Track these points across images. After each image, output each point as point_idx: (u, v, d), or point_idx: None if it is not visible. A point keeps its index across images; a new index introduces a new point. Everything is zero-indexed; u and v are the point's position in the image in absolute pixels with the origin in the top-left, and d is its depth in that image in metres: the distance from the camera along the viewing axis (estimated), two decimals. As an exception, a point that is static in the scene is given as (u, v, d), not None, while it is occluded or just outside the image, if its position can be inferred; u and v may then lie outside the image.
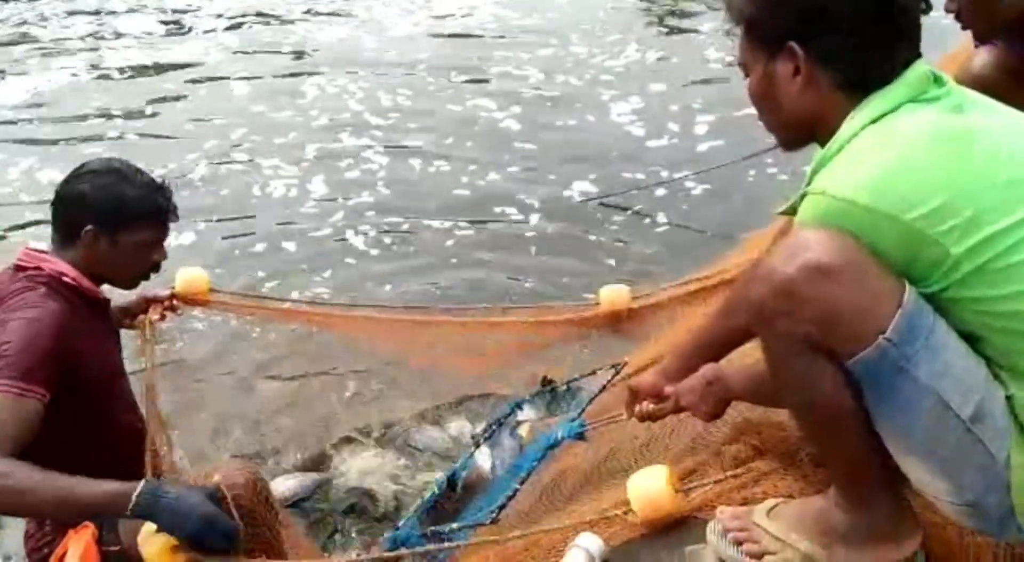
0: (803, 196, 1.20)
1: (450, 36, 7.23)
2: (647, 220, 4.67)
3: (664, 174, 4.94)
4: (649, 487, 1.44)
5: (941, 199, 1.09)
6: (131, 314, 2.35)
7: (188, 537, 1.54)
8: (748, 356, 1.60)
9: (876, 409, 1.15)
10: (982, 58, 2.03)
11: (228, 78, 6.47)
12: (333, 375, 3.31)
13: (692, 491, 1.47)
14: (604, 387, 2.38)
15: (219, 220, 4.65)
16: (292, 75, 6.54)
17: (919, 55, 1.23)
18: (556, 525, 1.56)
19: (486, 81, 6.34)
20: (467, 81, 6.35)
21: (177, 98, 6.19)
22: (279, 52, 6.99)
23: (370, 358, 3.27)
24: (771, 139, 1.39)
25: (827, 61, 1.22)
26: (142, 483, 1.58)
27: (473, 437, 2.59)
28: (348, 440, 2.94)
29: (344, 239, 4.51)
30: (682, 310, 2.39)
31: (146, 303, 2.41)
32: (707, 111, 5.64)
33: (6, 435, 1.63)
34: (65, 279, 1.90)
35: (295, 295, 3.48)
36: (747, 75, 1.33)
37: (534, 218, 4.70)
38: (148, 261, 2.04)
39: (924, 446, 1.15)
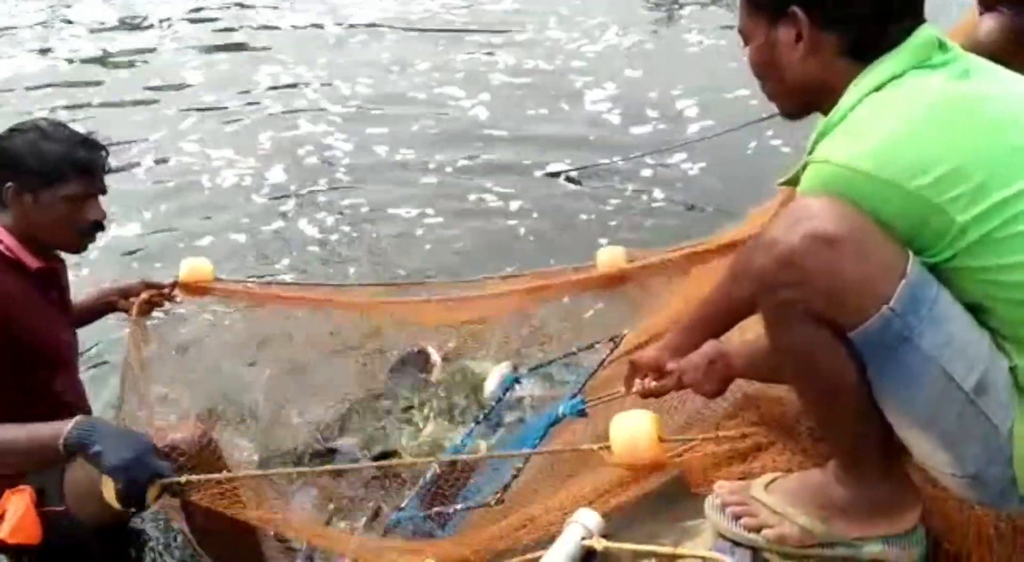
0: (805, 165, 1.18)
1: (418, 22, 7.00)
2: (638, 197, 4.53)
3: (647, 159, 4.77)
4: (633, 427, 1.43)
5: (946, 167, 1.07)
6: (127, 295, 2.34)
7: (117, 467, 1.55)
8: (749, 331, 1.59)
9: (878, 380, 1.14)
10: (988, 25, 2.00)
11: (181, 68, 6.24)
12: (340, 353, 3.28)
13: (678, 448, 1.46)
14: (603, 362, 2.37)
15: (166, 211, 4.45)
16: (248, 64, 6.30)
17: (923, 20, 1.20)
18: (554, 502, 1.55)
19: (454, 67, 6.12)
20: (433, 67, 6.14)
21: (126, 90, 5.91)
22: (237, 41, 6.76)
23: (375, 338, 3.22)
24: (768, 109, 1.36)
25: (830, 26, 1.20)
26: (80, 416, 1.66)
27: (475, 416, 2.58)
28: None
29: (298, 226, 4.32)
30: (679, 273, 2.37)
31: (144, 287, 2.41)
32: (688, 96, 5.43)
33: None
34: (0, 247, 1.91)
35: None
36: (747, 43, 1.31)
37: (510, 201, 4.53)
38: (82, 219, 2.00)
39: (926, 418, 1.14)
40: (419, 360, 2.94)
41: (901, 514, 1.26)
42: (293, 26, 7.04)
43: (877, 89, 1.16)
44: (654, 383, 1.64)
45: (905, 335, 1.09)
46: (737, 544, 1.31)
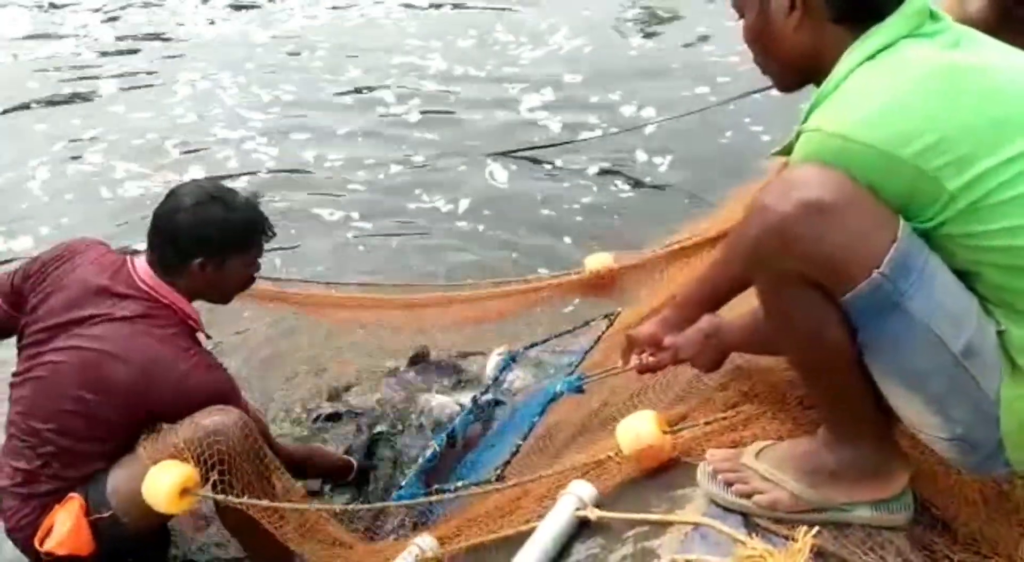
0: (799, 135, 1.19)
1: (352, 28, 6.71)
2: (604, 187, 4.48)
3: (592, 169, 4.63)
4: (638, 428, 1.45)
5: (937, 135, 1.08)
6: None
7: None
8: (743, 304, 1.60)
9: (869, 345, 1.16)
10: (978, 0, 2.00)
11: (96, 78, 5.94)
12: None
13: (681, 433, 1.48)
14: (599, 338, 2.39)
15: (60, 226, 4.15)
16: (166, 72, 6.02)
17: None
18: (548, 474, 1.57)
19: (387, 73, 5.86)
20: (365, 73, 5.90)
21: (32, 102, 5.62)
22: (156, 49, 6.43)
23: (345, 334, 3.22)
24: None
25: None
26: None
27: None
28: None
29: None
30: (667, 269, 2.38)
31: None
32: (631, 101, 5.28)
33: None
34: (190, 323, 1.99)
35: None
36: (741, 16, 1.31)
37: (445, 204, 4.38)
38: (246, 278, 2.10)
39: (916, 381, 1.15)
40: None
41: (889, 479, 1.27)
42: (218, 34, 6.73)
43: (869, 58, 1.17)
44: (651, 358, 1.66)
45: (895, 299, 1.11)
46: (729, 510, 1.32)
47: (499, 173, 4.64)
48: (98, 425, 1.87)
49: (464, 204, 4.38)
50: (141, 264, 1.98)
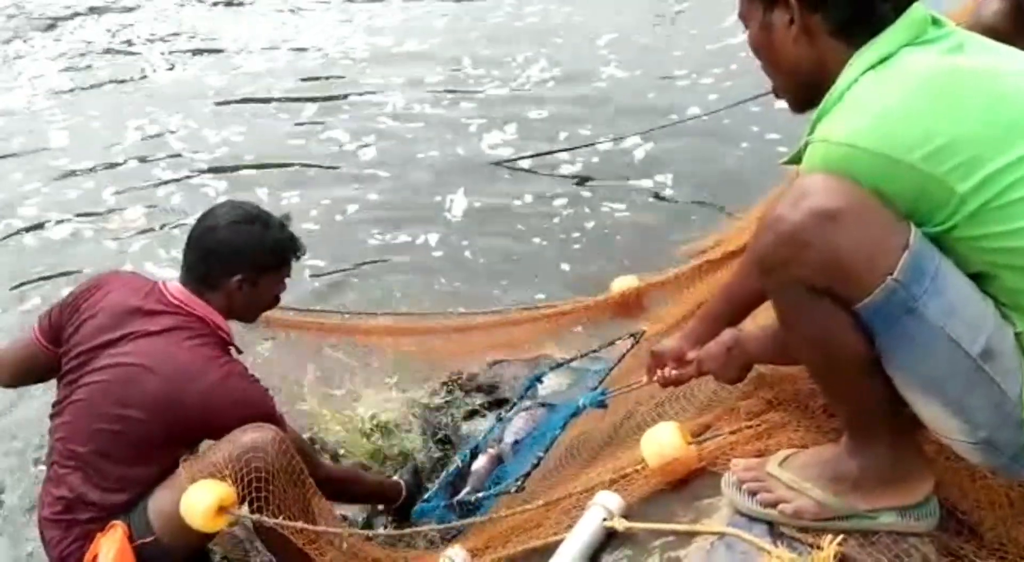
0: (806, 145, 1.21)
1: (312, 68, 6.45)
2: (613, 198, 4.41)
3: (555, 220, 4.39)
4: (661, 440, 1.47)
5: (944, 139, 1.09)
6: None
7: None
8: (760, 317, 1.62)
9: (887, 351, 1.16)
10: (992, 6, 2.01)
11: (48, 127, 5.69)
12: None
13: (705, 443, 1.49)
14: (624, 355, 2.40)
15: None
16: (115, 118, 5.72)
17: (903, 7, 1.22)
18: (575, 486, 1.58)
19: (343, 112, 5.66)
20: (321, 113, 5.66)
21: None
22: (109, 96, 6.13)
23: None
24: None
25: (820, 9, 1.22)
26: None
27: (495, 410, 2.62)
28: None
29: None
30: (692, 285, 2.39)
31: None
32: (609, 132, 5.03)
33: None
34: (221, 334, 2.02)
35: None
36: (746, 27, 1.34)
37: (415, 237, 4.27)
38: (276, 297, 2.16)
39: (936, 386, 1.16)
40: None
41: (914, 485, 1.27)
42: (174, 78, 6.41)
43: (872, 67, 1.18)
44: (675, 372, 1.67)
45: (910, 305, 1.11)
46: (754, 519, 1.33)
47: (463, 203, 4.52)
48: (137, 444, 1.89)
49: (433, 238, 4.27)
50: (173, 284, 2.03)
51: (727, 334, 1.58)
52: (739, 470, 1.38)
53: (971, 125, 1.11)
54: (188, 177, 4.89)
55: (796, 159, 1.25)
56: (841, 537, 1.23)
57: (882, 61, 1.18)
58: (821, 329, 1.19)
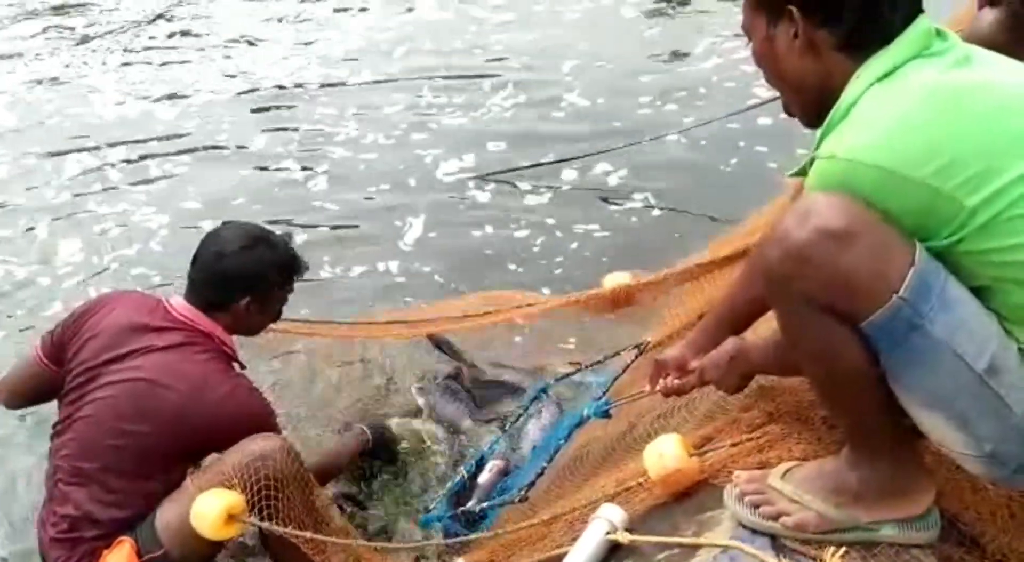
0: (812, 160, 1.21)
1: (263, 100, 6.09)
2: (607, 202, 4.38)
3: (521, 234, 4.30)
4: (663, 452, 1.47)
5: (951, 154, 1.10)
6: None
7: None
8: (762, 327, 1.63)
9: (892, 367, 1.17)
10: (989, 18, 2.02)
11: None
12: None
13: (707, 455, 1.50)
14: (628, 366, 2.41)
15: None
16: (53, 154, 5.40)
17: (920, 11, 1.23)
18: (579, 499, 1.59)
19: (293, 143, 5.39)
20: (270, 144, 5.39)
21: None
22: (52, 131, 5.73)
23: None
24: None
25: (825, 23, 1.23)
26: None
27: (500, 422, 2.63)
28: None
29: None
30: (684, 286, 2.40)
31: None
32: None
33: None
34: (226, 350, 2.05)
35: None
36: (750, 39, 1.34)
37: (371, 263, 4.13)
38: (279, 313, 2.20)
39: (941, 401, 1.16)
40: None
41: (915, 497, 1.28)
42: (120, 114, 5.97)
43: (878, 81, 1.18)
44: (677, 381, 1.68)
45: (916, 322, 1.12)
46: (756, 532, 1.33)
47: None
48: (145, 458, 1.91)
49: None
50: (177, 300, 2.05)
51: (729, 343, 1.59)
52: (741, 483, 1.38)
53: (979, 139, 1.12)
54: (127, 211, 4.68)
55: (802, 172, 1.26)
56: (843, 549, 1.24)
57: (887, 75, 1.19)
58: (825, 344, 1.20)
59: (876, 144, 1.13)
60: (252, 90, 6.22)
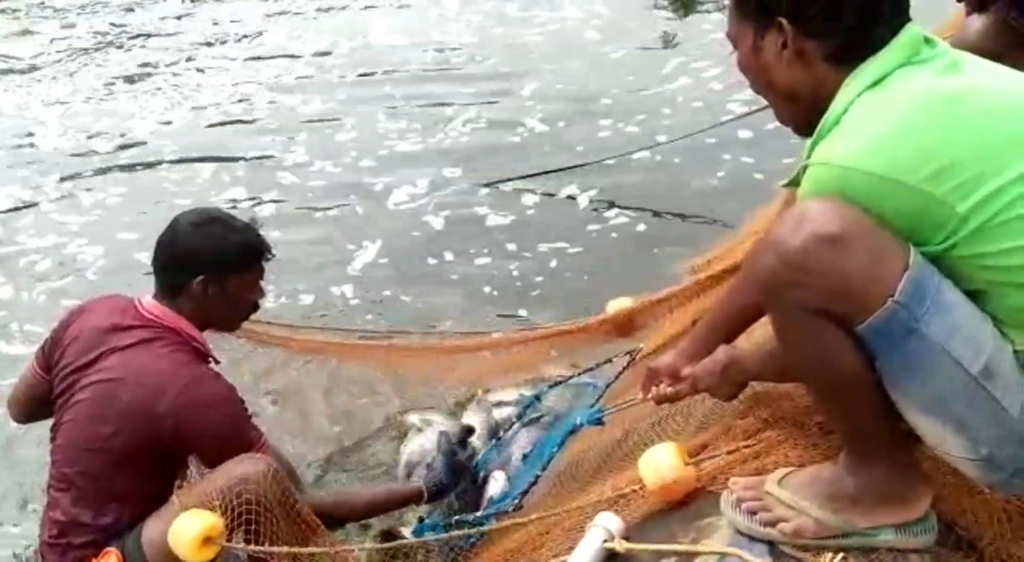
0: (804, 168, 1.22)
1: (208, 128, 5.91)
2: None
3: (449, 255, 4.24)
4: (659, 460, 1.47)
5: (943, 160, 1.11)
6: None
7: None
8: (756, 333, 1.63)
9: (888, 371, 1.17)
10: (977, 24, 2.04)
11: None
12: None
13: (703, 463, 1.50)
14: (620, 373, 2.41)
15: None
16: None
17: (908, 19, 1.24)
18: (575, 507, 1.59)
19: (239, 170, 5.24)
20: (216, 172, 5.25)
21: None
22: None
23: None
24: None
25: (814, 34, 1.23)
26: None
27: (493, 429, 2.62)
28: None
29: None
30: (685, 306, 2.41)
31: None
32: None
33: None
34: (195, 345, 2.01)
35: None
36: (735, 48, 1.34)
37: (319, 292, 4.06)
38: (252, 301, 2.12)
39: (937, 404, 1.17)
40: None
41: (912, 501, 1.28)
42: (56, 148, 5.78)
43: (869, 89, 1.19)
44: (669, 389, 1.68)
45: (911, 326, 1.12)
46: (754, 539, 1.33)
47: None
48: (118, 459, 1.89)
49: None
50: (147, 299, 2.03)
51: (722, 351, 1.59)
52: (738, 489, 1.38)
53: (971, 143, 1.12)
54: (59, 245, 4.57)
55: (795, 182, 1.26)
56: (841, 555, 1.24)
57: (877, 82, 1.19)
58: (821, 349, 1.20)
59: (869, 150, 1.14)
60: (198, 118, 6.01)
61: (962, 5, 2.11)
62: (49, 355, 2.08)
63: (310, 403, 3.11)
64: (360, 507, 2.22)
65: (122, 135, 5.87)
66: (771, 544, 1.32)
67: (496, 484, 2.24)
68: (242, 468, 1.80)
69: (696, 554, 1.35)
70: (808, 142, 1.26)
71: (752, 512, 1.35)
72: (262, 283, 2.13)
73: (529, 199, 4.66)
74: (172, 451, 1.96)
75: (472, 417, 2.70)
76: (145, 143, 5.73)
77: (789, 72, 1.27)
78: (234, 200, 4.88)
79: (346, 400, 3.12)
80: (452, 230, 4.47)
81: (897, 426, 1.23)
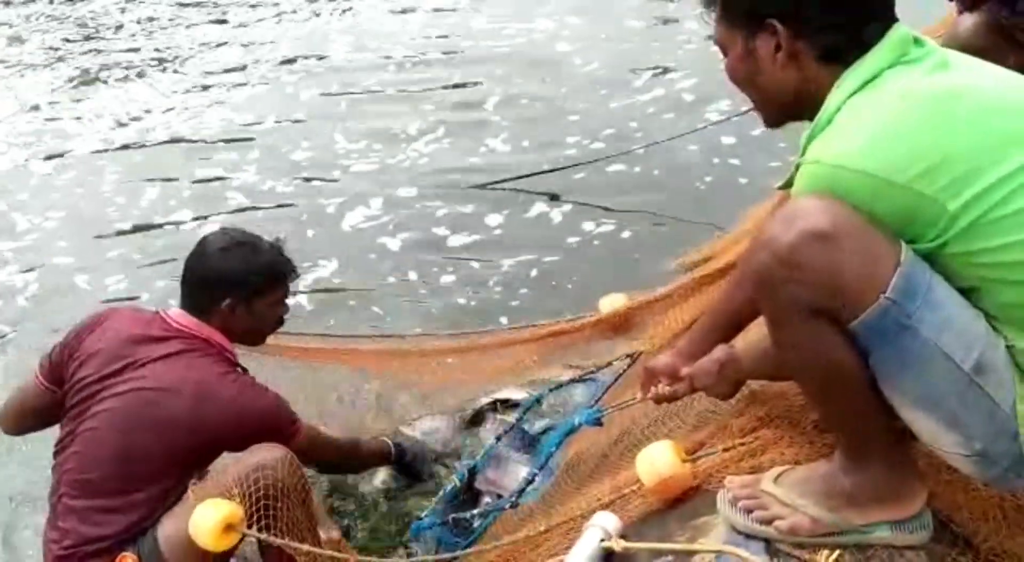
0: (797, 168, 1.23)
1: (154, 147, 5.66)
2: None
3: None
4: (656, 458, 1.47)
5: (934, 158, 1.11)
6: None
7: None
8: (752, 332, 1.63)
9: (881, 368, 1.18)
10: (967, 23, 2.05)
11: None
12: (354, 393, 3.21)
13: (699, 461, 1.50)
14: (620, 375, 2.42)
15: None
16: None
17: (896, 20, 1.25)
18: (573, 506, 1.59)
19: (185, 191, 5.05)
20: (161, 195, 5.03)
21: None
22: None
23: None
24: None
25: (807, 35, 1.24)
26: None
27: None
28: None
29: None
30: (680, 304, 2.41)
31: None
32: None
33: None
34: (227, 355, 2.05)
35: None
36: (725, 54, 1.35)
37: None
38: (276, 318, 2.18)
39: (931, 400, 1.17)
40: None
41: (907, 499, 1.28)
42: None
43: (859, 89, 1.20)
44: (668, 388, 1.69)
45: (903, 322, 1.13)
46: (750, 537, 1.33)
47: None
48: (154, 467, 1.90)
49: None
50: (174, 310, 2.06)
51: (719, 350, 1.60)
52: (734, 487, 1.38)
53: (962, 142, 1.13)
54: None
55: (789, 184, 1.27)
56: (837, 552, 1.24)
57: (868, 82, 1.20)
58: (815, 347, 1.20)
59: (860, 149, 1.14)
60: (143, 137, 5.76)
61: (953, 4, 2.12)
62: (59, 366, 2.07)
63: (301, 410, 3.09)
64: (365, 455, 2.47)
65: (62, 155, 5.65)
66: (767, 542, 1.32)
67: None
68: (260, 456, 1.82)
69: (693, 552, 1.35)
70: (802, 142, 1.27)
71: (748, 510, 1.35)
72: (287, 300, 2.18)
73: (495, 216, 4.50)
74: (207, 459, 2.00)
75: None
76: (86, 163, 5.49)
77: (783, 74, 1.28)
78: (178, 222, 4.72)
79: (337, 403, 3.11)
80: (410, 249, 4.31)
81: (892, 424, 1.23)
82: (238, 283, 2.03)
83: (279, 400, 2.04)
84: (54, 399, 2.07)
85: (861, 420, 1.25)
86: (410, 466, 2.55)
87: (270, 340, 2.29)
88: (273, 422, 1.98)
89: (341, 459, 2.26)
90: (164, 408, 1.90)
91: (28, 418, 2.19)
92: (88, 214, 4.86)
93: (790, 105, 1.30)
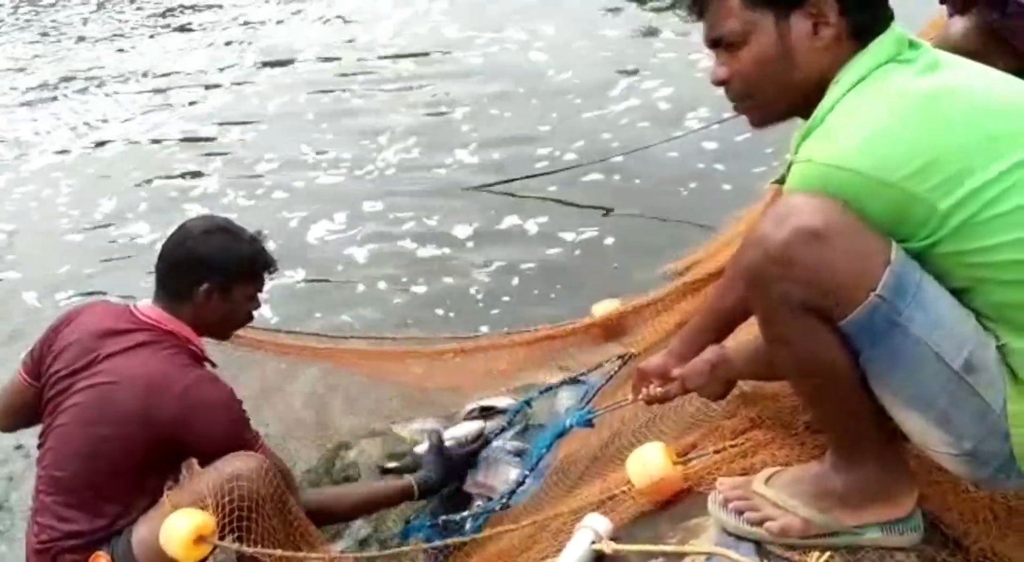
0: (790, 166, 1.22)
1: (111, 159, 5.55)
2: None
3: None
4: (647, 460, 1.47)
5: (925, 158, 1.12)
6: None
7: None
8: (743, 332, 1.64)
9: (871, 366, 1.18)
10: (958, 26, 2.06)
11: None
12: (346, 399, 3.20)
13: (690, 463, 1.50)
14: (611, 376, 2.41)
15: None
16: None
17: (893, 18, 1.25)
18: (563, 508, 1.59)
19: (142, 203, 4.95)
20: (118, 206, 4.94)
21: None
22: None
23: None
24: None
25: (848, 10, 1.22)
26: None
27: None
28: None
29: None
30: (672, 308, 2.41)
31: None
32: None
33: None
34: (192, 348, 2.01)
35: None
36: (735, 49, 1.28)
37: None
38: (247, 312, 2.14)
39: (920, 399, 1.17)
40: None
41: (898, 500, 1.28)
42: None
43: (853, 87, 1.20)
44: (659, 389, 1.68)
45: (893, 320, 1.13)
46: (741, 538, 1.33)
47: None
48: (116, 464, 1.88)
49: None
50: (143, 303, 2.04)
51: (711, 351, 1.60)
52: (725, 489, 1.38)
53: (951, 143, 1.13)
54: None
55: (782, 180, 1.27)
56: (828, 554, 1.24)
57: (862, 80, 1.20)
58: (806, 345, 1.20)
59: (851, 149, 1.14)
60: (100, 150, 5.63)
61: (944, 7, 2.13)
62: (39, 361, 2.07)
63: (291, 409, 3.08)
64: (351, 505, 2.23)
65: (16, 167, 5.56)
66: (758, 543, 1.32)
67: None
68: (234, 465, 1.80)
69: (684, 554, 1.34)
70: (795, 140, 1.26)
71: (739, 512, 1.34)
72: (260, 295, 2.14)
73: (464, 227, 4.42)
74: (169, 454, 1.96)
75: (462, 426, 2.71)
76: (42, 174, 5.44)
77: (819, 56, 1.23)
78: (134, 235, 4.62)
79: (331, 405, 3.10)
80: (379, 260, 4.22)
81: (883, 424, 1.23)
82: (218, 268, 2.00)
83: (232, 396, 1.96)
84: (36, 395, 2.06)
85: (852, 419, 1.25)
86: (441, 486, 2.29)
87: (248, 332, 2.25)
88: (226, 418, 1.91)
89: (318, 510, 2.01)
90: (119, 402, 1.87)
91: (15, 414, 2.17)
92: (41, 227, 4.79)
93: (810, 95, 1.25)
